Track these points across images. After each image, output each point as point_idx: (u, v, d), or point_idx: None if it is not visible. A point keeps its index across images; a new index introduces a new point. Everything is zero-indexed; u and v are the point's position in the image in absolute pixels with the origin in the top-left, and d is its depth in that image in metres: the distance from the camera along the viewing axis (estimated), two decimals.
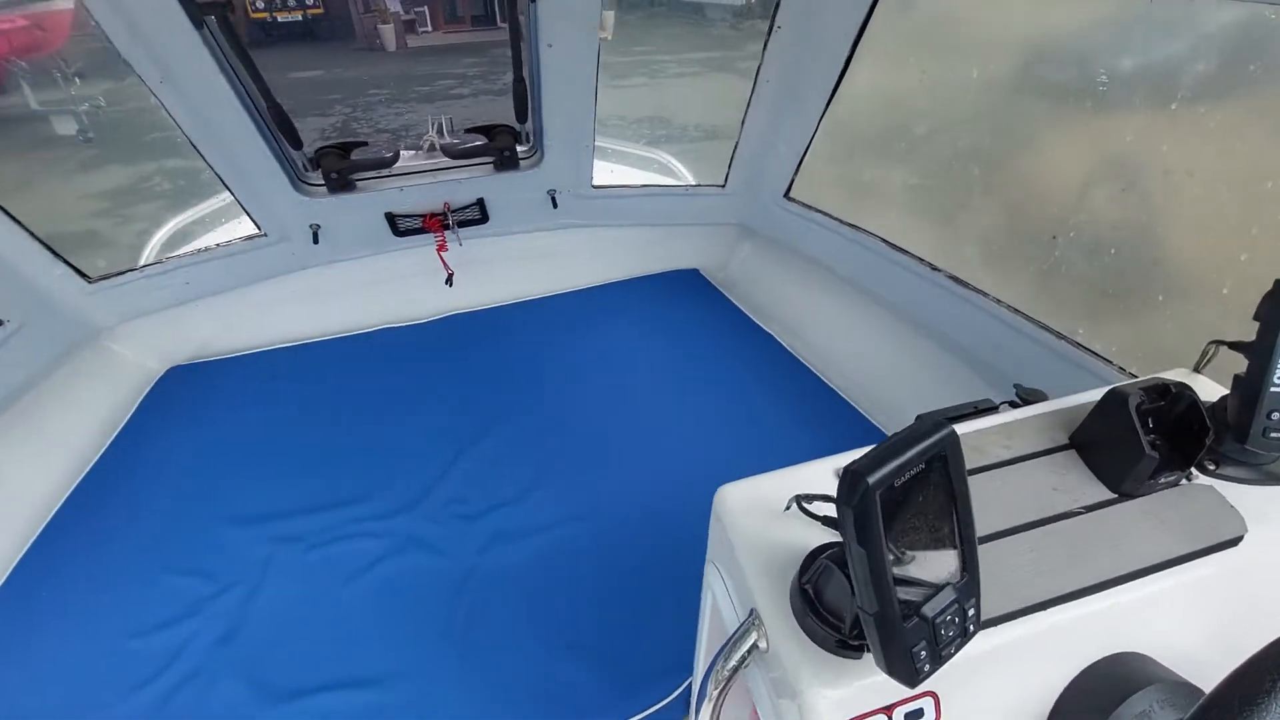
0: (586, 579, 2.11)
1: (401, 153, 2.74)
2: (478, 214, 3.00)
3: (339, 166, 2.55)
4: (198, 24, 1.95)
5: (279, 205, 2.61)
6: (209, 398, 2.85)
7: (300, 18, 13.15)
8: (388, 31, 13.22)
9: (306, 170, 2.62)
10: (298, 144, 2.45)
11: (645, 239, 3.43)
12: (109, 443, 2.65)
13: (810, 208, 2.89)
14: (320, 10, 13.48)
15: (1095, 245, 1.84)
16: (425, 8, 14.32)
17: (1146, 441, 0.86)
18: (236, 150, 2.35)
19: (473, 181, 2.84)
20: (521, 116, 2.65)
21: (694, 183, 3.41)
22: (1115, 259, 1.81)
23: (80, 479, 2.49)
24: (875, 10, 2.18)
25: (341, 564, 2.18)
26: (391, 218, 2.88)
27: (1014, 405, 1.61)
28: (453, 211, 2.93)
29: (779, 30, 2.38)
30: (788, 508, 0.85)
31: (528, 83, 2.53)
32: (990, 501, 0.90)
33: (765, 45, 2.47)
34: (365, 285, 3.16)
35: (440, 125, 3.37)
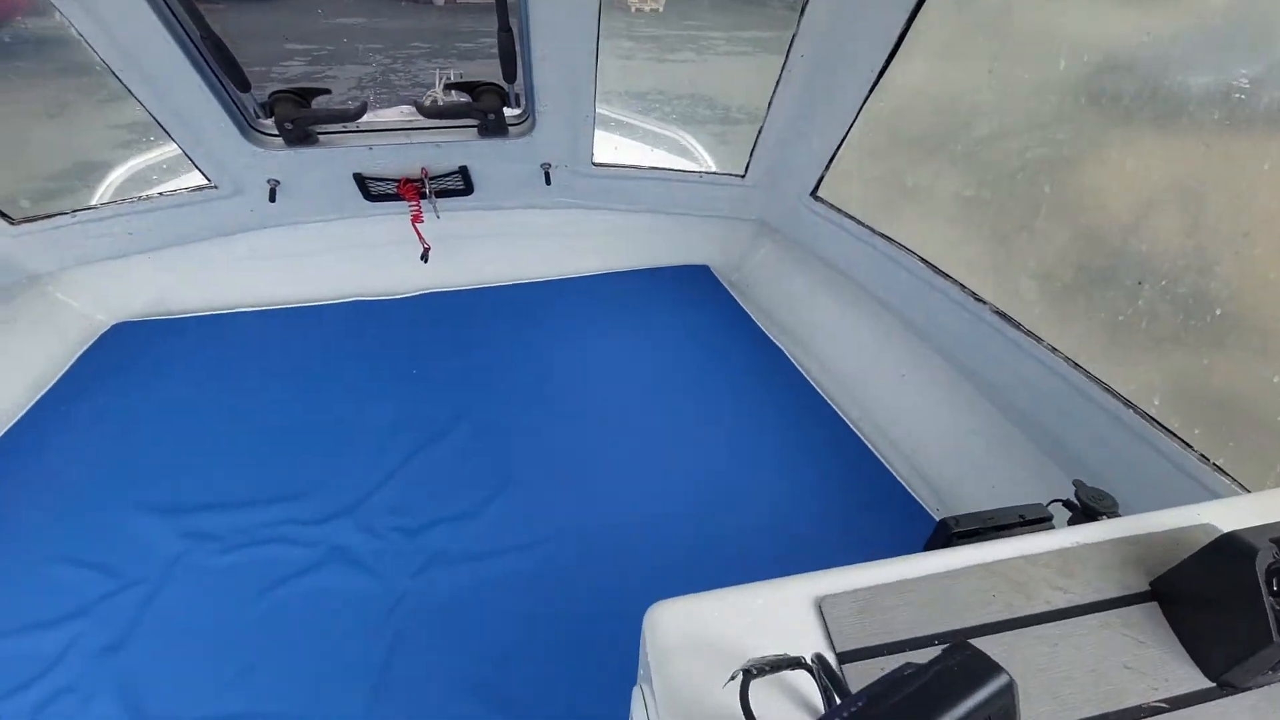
0: (529, 621, 1.77)
1: (376, 110, 2.34)
2: (460, 184, 2.60)
3: (294, 116, 2.17)
4: None
5: (227, 155, 2.25)
6: (150, 360, 2.54)
7: None
8: None
9: (258, 116, 2.24)
10: (244, 85, 2.07)
11: (651, 227, 3.01)
12: (35, 400, 2.36)
13: (840, 211, 2.44)
14: None
15: (1196, 300, 1.38)
16: None
17: (1276, 619, 0.60)
18: (172, 90, 1.97)
19: (454, 146, 2.44)
20: (509, 75, 2.23)
21: (711, 169, 2.96)
22: (1221, 321, 1.35)
23: None
24: None
25: (255, 574, 1.87)
26: (361, 180, 2.49)
27: (1071, 510, 1.19)
28: (431, 179, 2.53)
29: None
30: (731, 679, 0.62)
31: (515, 36, 2.11)
32: (1033, 678, 0.66)
33: (801, 13, 2.01)
34: (331, 251, 2.79)
35: (449, 79, 2.97)
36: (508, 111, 2.40)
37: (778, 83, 2.26)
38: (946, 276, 2.06)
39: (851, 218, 2.39)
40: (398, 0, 13.24)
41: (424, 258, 2.65)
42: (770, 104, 2.34)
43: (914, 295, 2.23)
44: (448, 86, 2.38)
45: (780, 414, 2.42)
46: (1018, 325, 1.84)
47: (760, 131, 2.45)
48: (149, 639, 1.73)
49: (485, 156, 2.51)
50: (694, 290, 3.04)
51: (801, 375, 2.60)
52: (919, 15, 1.80)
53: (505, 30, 2.07)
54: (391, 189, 2.54)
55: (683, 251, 3.13)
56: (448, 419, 2.34)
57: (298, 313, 2.76)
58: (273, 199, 2.42)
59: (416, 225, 2.58)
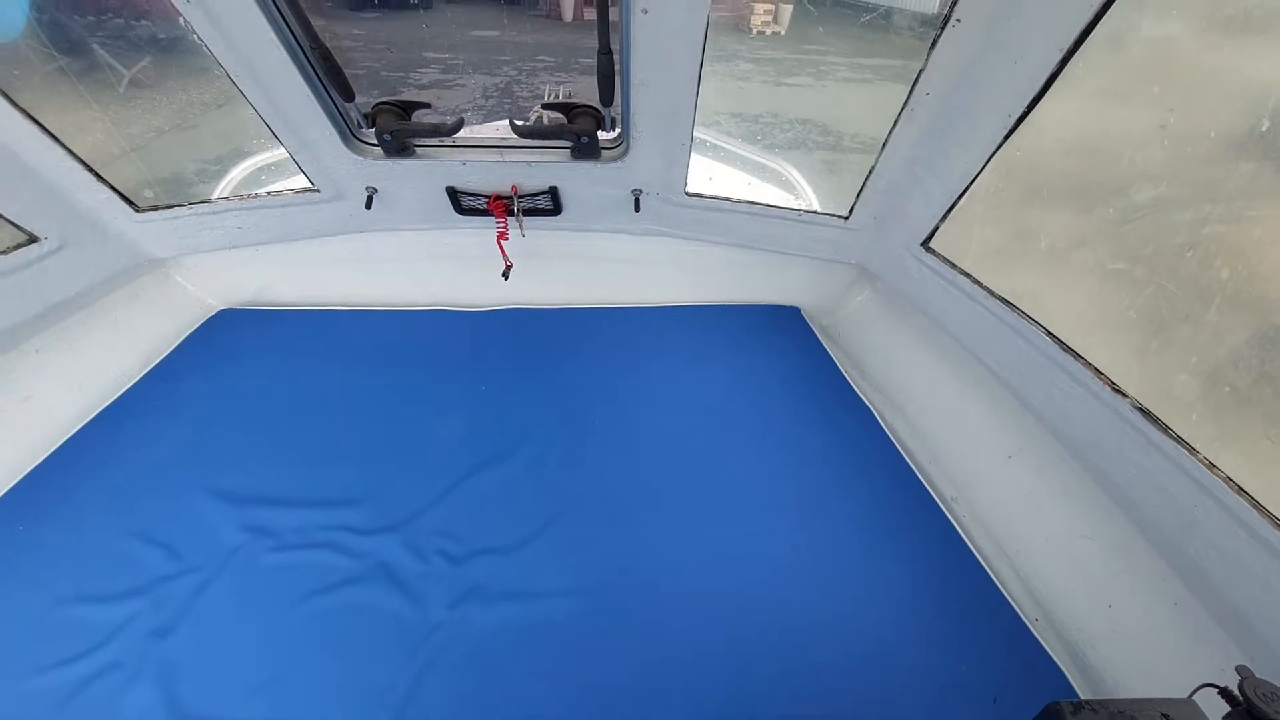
0: (558, 683, 1.62)
1: (477, 125, 2.28)
2: (549, 204, 2.50)
3: (394, 128, 2.14)
4: None
5: (330, 161, 2.26)
6: (246, 347, 2.62)
7: None
8: (567, 2, 13.06)
9: (360, 126, 2.23)
10: (349, 95, 2.06)
11: (742, 262, 2.80)
12: (144, 373, 2.48)
13: (955, 267, 2.14)
14: None
15: None
16: None
17: None
18: (282, 97, 1.99)
19: (546, 166, 2.34)
20: (607, 99, 2.10)
21: (815, 206, 2.72)
22: None
23: (106, 405, 2.32)
24: (1110, 11, 1.41)
25: (301, 577, 1.83)
26: (454, 193, 2.45)
27: (1231, 703, 0.91)
28: (521, 197, 2.45)
29: (955, 26, 1.66)
30: None
31: (616, 58, 1.97)
32: None
33: (932, 46, 1.75)
34: (420, 259, 2.78)
35: (558, 96, 2.90)
36: (602, 135, 2.28)
37: (896, 120, 2.00)
38: (1078, 357, 1.73)
39: (967, 275, 2.09)
40: (534, 16, 13.67)
41: (505, 275, 2.58)
42: (886, 143, 2.08)
43: (1034, 371, 1.90)
44: (544, 106, 2.29)
45: (861, 479, 2.15)
46: (1166, 429, 1.49)
47: (871, 172, 2.19)
48: (196, 629, 1.72)
49: (576, 178, 2.40)
50: (781, 332, 2.80)
51: (889, 439, 2.31)
52: (1077, 54, 1.50)
53: (605, 53, 1.94)
54: (481, 204, 2.47)
55: (773, 290, 2.90)
56: (509, 442, 2.24)
57: (384, 315, 2.77)
58: (369, 205, 2.41)
59: (501, 242, 2.51)
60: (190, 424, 2.28)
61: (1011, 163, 1.79)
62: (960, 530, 2.00)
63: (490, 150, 2.31)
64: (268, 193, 2.44)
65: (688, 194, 2.45)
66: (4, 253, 2.07)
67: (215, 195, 2.59)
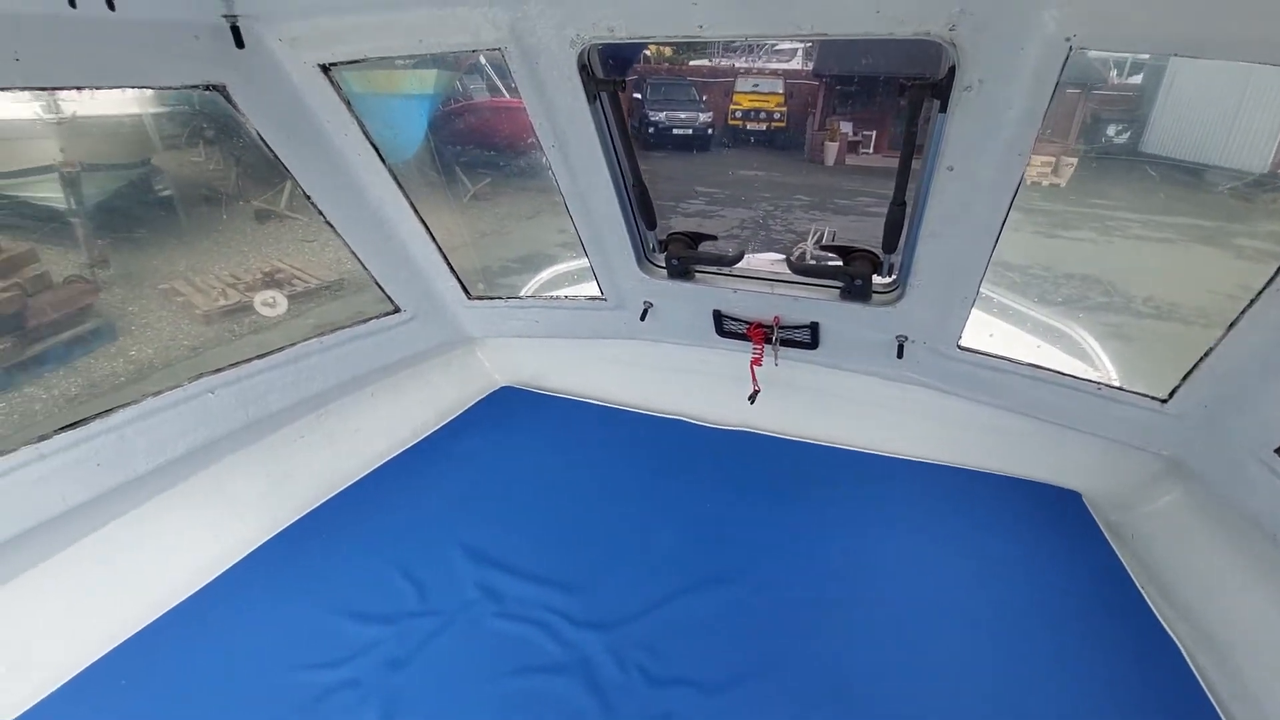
0: None
1: (748, 256, 2.41)
2: (807, 338, 2.49)
3: (682, 254, 2.35)
4: (592, 98, 1.92)
5: (621, 276, 2.54)
6: (516, 421, 2.94)
7: (764, 129, 14.57)
8: (831, 148, 13.69)
9: (654, 250, 2.48)
10: (652, 224, 2.32)
11: (1013, 429, 2.46)
12: (436, 428, 2.90)
13: None
14: (783, 124, 14.71)
15: None
16: (873, 132, 14.48)
17: None
18: (599, 219, 2.31)
19: (811, 303, 2.36)
20: (890, 245, 2.07)
21: (1114, 379, 2.32)
22: None
23: (404, 449, 2.75)
24: None
25: (512, 650, 1.89)
26: (718, 316, 2.57)
27: None
28: (781, 328, 2.48)
29: None
30: None
31: (909, 209, 1.95)
32: None
33: None
34: (676, 371, 2.93)
35: (821, 236, 2.99)
36: (876, 279, 2.24)
37: (1252, 303, 1.65)
38: None
39: None
40: (798, 160, 14.54)
41: (751, 399, 2.59)
42: (1236, 322, 1.72)
43: None
44: (822, 246, 2.33)
45: (1149, 714, 1.64)
46: None
47: (1210, 352, 1.82)
48: (421, 670, 1.83)
49: (840, 317, 2.37)
50: (1054, 518, 2.35)
51: (1199, 687, 1.74)
52: None
53: (900, 204, 1.94)
54: (742, 329, 2.56)
55: (1048, 467, 2.48)
56: (727, 569, 2.14)
57: (632, 415, 2.93)
58: (643, 318, 2.64)
59: (754, 367, 2.55)
60: (460, 479, 2.59)
61: None
62: None
63: (761, 282, 2.41)
64: (565, 296, 2.81)
65: (960, 347, 2.26)
66: (376, 317, 2.64)
67: (524, 293, 3.06)
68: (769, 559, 2.17)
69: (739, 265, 2.41)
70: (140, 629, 1.91)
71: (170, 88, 1.79)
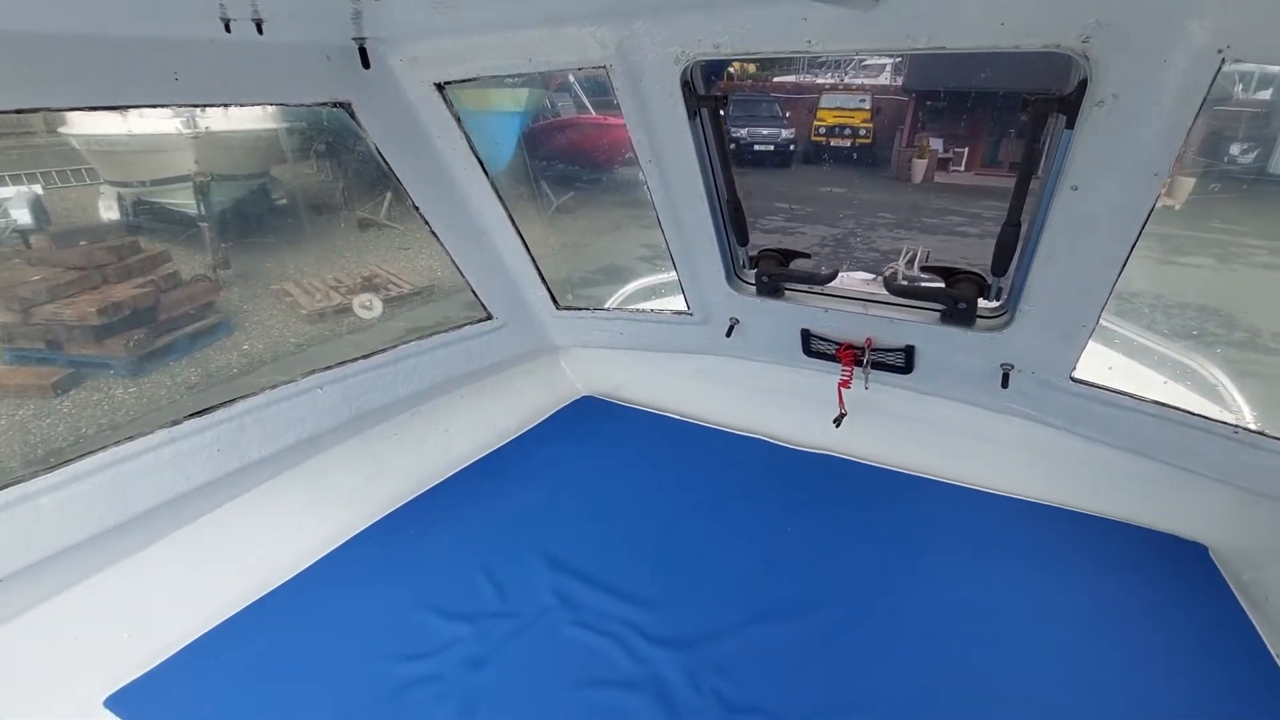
0: None
1: (842, 275, 2.34)
2: (901, 361, 2.38)
3: (773, 271, 2.30)
4: (692, 114, 1.92)
5: (709, 292, 2.51)
6: (596, 431, 2.97)
7: (849, 144, 14.25)
8: (920, 166, 13.21)
9: (744, 266, 2.45)
10: (744, 240, 2.29)
11: (1129, 471, 2.25)
12: (519, 434, 2.96)
13: None
14: (869, 140, 14.34)
15: None
16: (965, 149, 13.88)
17: None
18: (691, 234, 2.31)
19: (907, 325, 2.25)
20: (999, 268, 1.95)
21: (1249, 422, 2.09)
22: None
23: (487, 452, 2.82)
24: None
25: (584, 660, 1.88)
26: (807, 335, 2.50)
27: None
28: (873, 350, 2.39)
29: None
30: None
31: (1023, 230, 1.83)
32: None
33: None
34: (758, 390, 2.86)
35: (914, 257, 2.87)
36: (981, 303, 2.11)
37: None
38: None
39: None
40: (883, 177, 14.13)
41: (837, 422, 2.49)
42: None
43: None
44: (923, 267, 2.22)
45: None
46: None
47: None
48: (498, 671, 1.85)
49: (938, 342, 2.25)
50: (1176, 572, 2.13)
51: None
52: None
53: (1014, 225, 1.82)
54: (831, 350, 2.48)
55: (1169, 515, 2.25)
56: (808, 597, 2.06)
57: (712, 432, 2.89)
58: (729, 334, 2.60)
59: (842, 390, 2.46)
60: (540, 485, 2.62)
61: None
62: None
63: (855, 301, 2.32)
64: (651, 309, 2.81)
65: (1074, 379, 2.09)
66: (470, 323, 2.73)
67: (609, 305, 3.09)
68: (854, 590, 2.07)
69: (831, 284, 2.34)
70: (243, 607, 2.03)
71: (304, 104, 1.93)
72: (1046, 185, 1.72)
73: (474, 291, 2.66)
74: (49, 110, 1.56)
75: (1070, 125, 1.56)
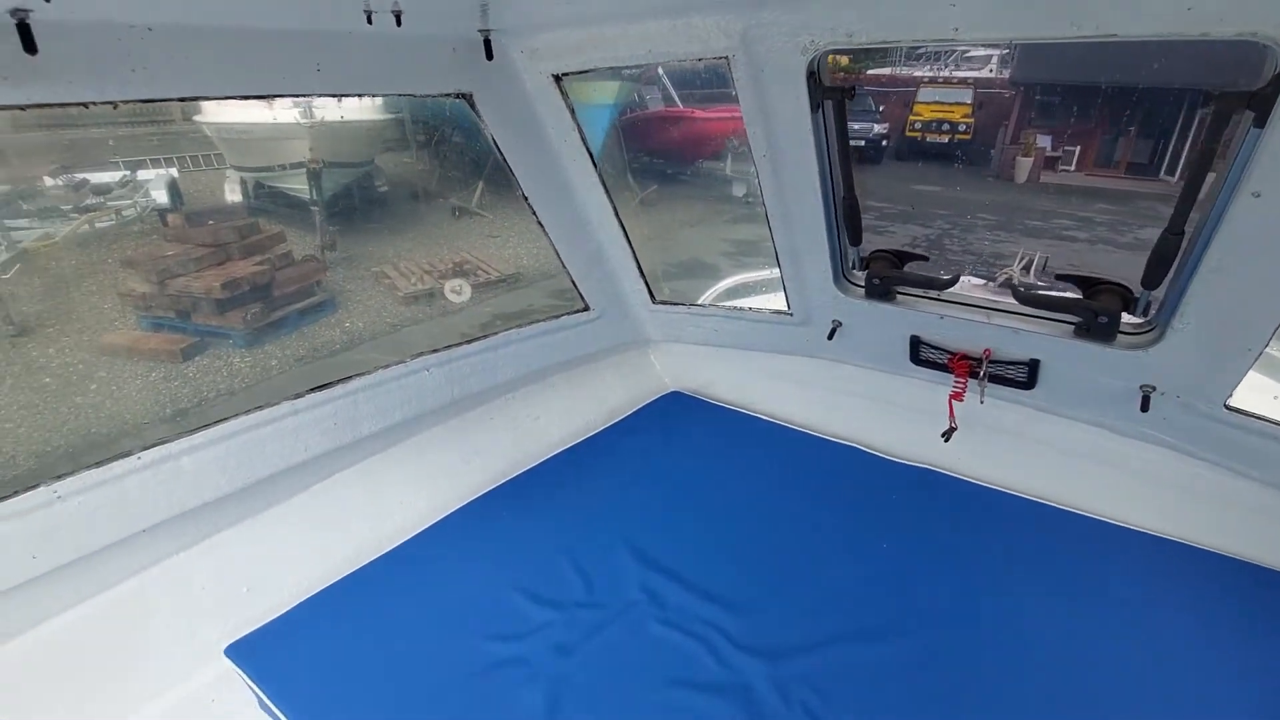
0: None
1: (963, 280, 2.18)
2: (1022, 376, 2.20)
3: (886, 274, 2.18)
4: (815, 107, 1.83)
5: (814, 292, 2.41)
6: (684, 428, 2.92)
7: (946, 140, 13.49)
8: (1024, 164, 12.35)
9: (853, 267, 2.33)
10: (857, 240, 2.17)
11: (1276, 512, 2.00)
12: (605, 426, 2.96)
13: None
14: (968, 136, 13.54)
15: None
16: (1077, 148, 12.87)
17: None
18: (799, 231, 2.21)
19: (1035, 338, 2.07)
20: (1152, 281, 1.75)
21: None
22: None
23: (575, 443, 2.83)
24: None
25: (674, 659, 1.85)
26: (916, 342, 2.36)
27: None
28: (992, 362, 2.22)
29: None
30: None
31: (1186, 240, 1.64)
32: None
33: None
34: (856, 396, 2.73)
35: (1030, 263, 2.65)
36: (1125, 318, 1.92)
37: None
38: None
39: None
40: (983, 175, 13.32)
41: (946, 436, 2.34)
42: None
43: None
44: (1060, 276, 2.04)
45: None
46: None
47: None
48: (585, 660, 1.84)
49: (1069, 357, 2.06)
50: None
51: None
52: None
53: (1177, 233, 1.63)
54: (942, 359, 2.32)
55: None
56: (905, 618, 1.94)
57: (804, 436, 2.79)
58: (830, 337, 2.49)
59: (953, 402, 2.30)
60: (625, 478, 2.60)
61: None
62: None
63: (975, 310, 2.17)
64: (749, 308, 2.73)
65: (1229, 407, 1.87)
66: (568, 314, 2.75)
67: (701, 300, 3.03)
68: (956, 616, 1.94)
69: (950, 290, 2.19)
70: (350, 572, 2.13)
71: (429, 95, 1.98)
72: (1222, 190, 1.52)
73: (574, 283, 2.67)
74: (204, 99, 1.66)
75: (1260, 124, 1.38)
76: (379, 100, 7.93)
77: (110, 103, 1.51)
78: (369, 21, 1.53)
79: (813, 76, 1.78)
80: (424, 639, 1.91)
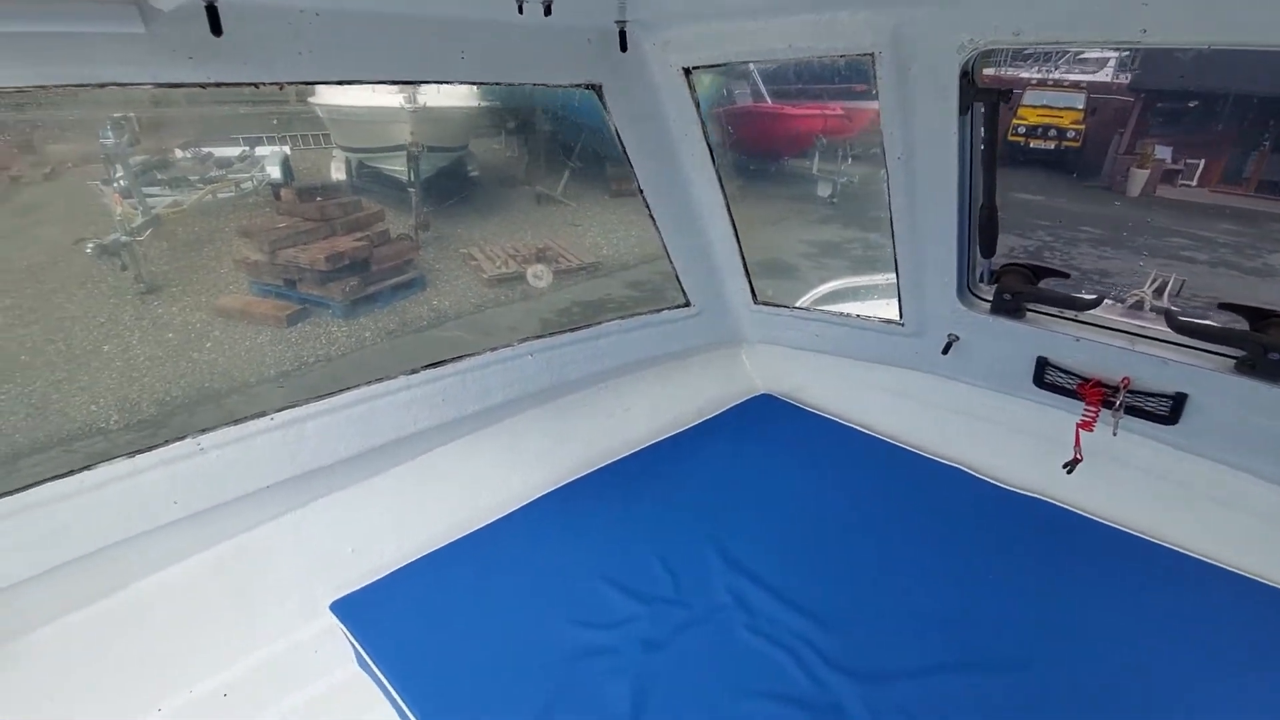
0: None
1: (1107, 302, 2.01)
2: (1165, 409, 2.02)
3: (1019, 289, 2.03)
4: (964, 109, 1.72)
5: (933, 304, 2.28)
6: (773, 431, 2.85)
7: (1052, 147, 12.62)
8: (1138, 176, 11.41)
9: (980, 280, 2.19)
10: (990, 252, 2.04)
11: None
12: (694, 424, 2.93)
13: None
14: (1077, 144, 12.63)
15: None
16: (1200, 161, 11.78)
17: None
18: (926, 239, 2.10)
19: (1185, 370, 1.89)
20: None
21: None
22: None
23: (661, 438, 2.81)
24: None
25: (762, 669, 1.80)
26: (1043, 364, 2.20)
27: None
28: (1130, 392, 2.04)
29: None
30: None
31: None
32: None
33: None
34: (967, 417, 2.57)
35: (1164, 285, 2.43)
36: None
37: None
38: None
39: None
40: (1089, 186, 12.41)
41: (1069, 468, 2.17)
42: None
43: None
44: (1223, 305, 1.85)
45: None
46: None
47: None
48: (672, 657, 1.83)
49: (1224, 394, 1.87)
50: None
51: None
52: None
53: None
54: (1071, 384, 2.15)
55: None
56: (1010, 652, 1.82)
57: (904, 453, 2.66)
58: (945, 351, 2.36)
59: (1081, 432, 2.13)
60: (714, 478, 2.56)
61: None
62: None
63: (1117, 334, 2.00)
64: (856, 315, 2.62)
65: None
66: (670, 308, 2.72)
67: (802, 303, 2.94)
68: (1071, 658, 1.80)
69: (1090, 312, 2.03)
70: (447, 542, 2.19)
71: (561, 85, 1.98)
72: None
73: (678, 278, 2.64)
74: (358, 83, 1.72)
75: None
76: (476, 87, 8.14)
77: (277, 84, 1.58)
78: (520, 10, 1.54)
79: (965, 76, 1.67)
80: (514, 615, 1.95)
